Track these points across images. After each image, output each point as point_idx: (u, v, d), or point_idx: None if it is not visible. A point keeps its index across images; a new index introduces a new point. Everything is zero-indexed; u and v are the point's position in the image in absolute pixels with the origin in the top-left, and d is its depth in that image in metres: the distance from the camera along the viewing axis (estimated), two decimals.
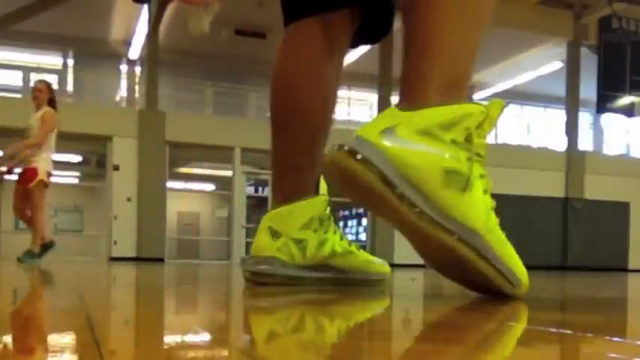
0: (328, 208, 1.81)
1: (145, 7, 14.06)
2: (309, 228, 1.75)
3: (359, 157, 1.23)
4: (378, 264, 1.92)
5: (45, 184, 6.56)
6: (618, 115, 16.88)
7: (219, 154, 15.82)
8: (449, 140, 1.26)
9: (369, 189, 1.23)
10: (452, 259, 1.32)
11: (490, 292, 1.38)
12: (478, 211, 1.29)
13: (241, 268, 1.84)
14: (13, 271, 3.39)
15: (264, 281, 1.75)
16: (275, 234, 1.76)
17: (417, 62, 1.31)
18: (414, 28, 1.34)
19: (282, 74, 1.78)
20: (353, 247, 1.85)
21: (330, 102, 1.81)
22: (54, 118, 6.58)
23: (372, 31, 1.80)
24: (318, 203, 1.77)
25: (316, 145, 1.80)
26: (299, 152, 1.79)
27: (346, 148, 1.25)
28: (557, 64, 17.28)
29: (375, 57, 14.65)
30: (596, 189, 16.90)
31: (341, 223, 21.52)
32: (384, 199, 1.23)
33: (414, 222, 1.26)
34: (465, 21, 1.34)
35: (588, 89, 16.31)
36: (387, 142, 1.23)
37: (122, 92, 17.62)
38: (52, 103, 6.69)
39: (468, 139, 1.28)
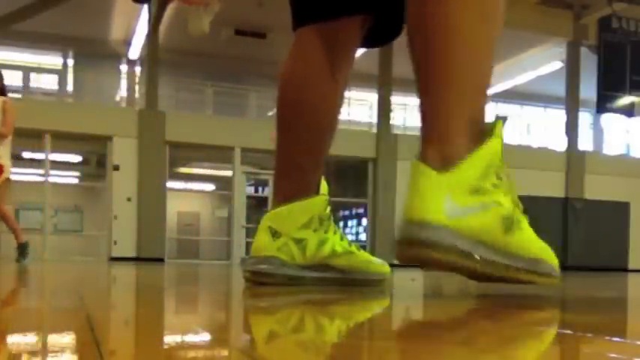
0: (328, 208, 1.80)
1: (145, 7, 14.06)
2: (309, 227, 1.74)
3: (432, 244, 1.23)
4: (378, 264, 1.91)
5: (9, 180, 6.36)
6: (618, 115, 16.88)
7: (219, 154, 15.82)
8: (491, 187, 1.31)
9: (451, 266, 1.27)
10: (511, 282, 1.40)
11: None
12: (530, 236, 1.40)
13: (241, 268, 1.83)
14: (13, 271, 3.39)
15: (264, 281, 1.73)
16: (275, 234, 1.74)
17: (438, 102, 1.31)
18: (429, 61, 1.33)
19: (291, 76, 1.76)
20: (353, 247, 1.84)
21: (337, 105, 1.80)
22: (15, 107, 6.35)
23: (382, 33, 1.78)
24: (318, 203, 1.76)
25: (321, 146, 1.79)
26: (303, 153, 1.77)
27: (415, 239, 1.23)
28: (557, 64, 17.29)
29: (375, 57, 14.64)
30: (596, 189, 16.89)
31: (341, 223, 21.53)
32: (467, 267, 1.28)
33: (489, 273, 1.32)
34: (480, 47, 1.33)
35: (588, 89, 16.31)
36: (450, 218, 1.24)
37: (122, 92, 17.62)
38: (3, 92, 6.46)
39: (499, 176, 1.33)
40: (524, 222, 1.38)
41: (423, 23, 1.33)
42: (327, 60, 1.71)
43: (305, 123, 1.75)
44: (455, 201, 1.25)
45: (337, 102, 1.79)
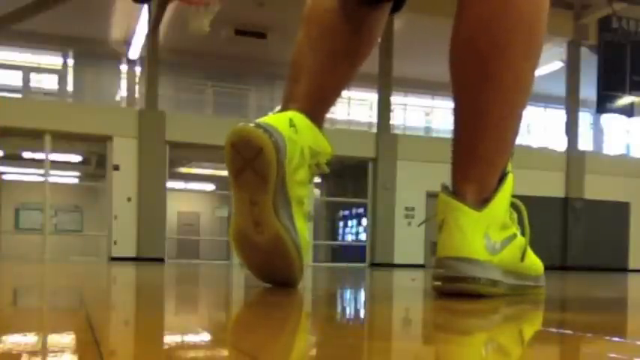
0: None
1: (145, 7, 14.06)
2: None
3: (478, 279, 1.33)
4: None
5: None
6: (618, 115, 16.88)
7: (219, 154, 15.66)
8: (510, 221, 1.46)
9: (485, 294, 1.35)
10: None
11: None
12: (533, 258, 1.57)
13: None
14: (13, 271, 3.39)
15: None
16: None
17: (486, 147, 1.41)
18: (471, 108, 1.42)
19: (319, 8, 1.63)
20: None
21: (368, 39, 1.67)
22: None
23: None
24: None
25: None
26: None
27: (462, 275, 1.32)
28: (557, 64, 17.28)
29: (375, 57, 14.65)
30: (596, 189, 16.89)
31: (341, 223, 21.53)
32: (495, 293, 1.37)
33: (507, 294, 1.42)
34: (527, 94, 1.44)
35: (588, 89, 16.31)
36: (490, 254, 1.35)
37: (122, 92, 17.62)
38: None
39: (511, 209, 1.48)
40: (527, 247, 1.52)
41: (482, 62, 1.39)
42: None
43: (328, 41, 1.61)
44: (492, 237, 1.36)
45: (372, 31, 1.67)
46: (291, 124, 1.46)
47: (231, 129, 1.43)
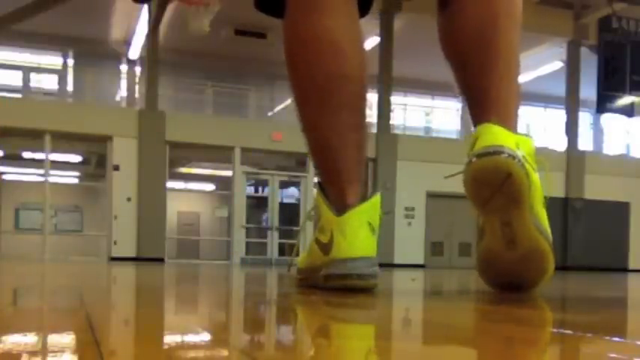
0: None
1: (145, 7, 14.05)
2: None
3: (511, 155, 1.46)
4: None
5: None
6: (618, 115, 16.88)
7: (219, 154, 15.81)
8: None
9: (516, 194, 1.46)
10: (536, 257, 1.55)
11: (533, 285, 1.60)
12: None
13: (329, 272, 1.52)
14: (13, 271, 3.39)
15: (371, 285, 1.55)
16: (374, 231, 1.60)
17: (505, 86, 1.62)
18: (503, 46, 1.65)
19: (325, 36, 1.60)
20: None
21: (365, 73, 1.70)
22: None
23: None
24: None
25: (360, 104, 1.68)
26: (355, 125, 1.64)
27: (500, 151, 1.45)
28: (557, 64, 17.29)
29: (375, 57, 14.65)
30: (596, 189, 16.89)
31: None
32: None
33: (531, 230, 1.50)
34: (516, 55, 1.70)
35: (588, 89, 16.30)
36: (527, 165, 1.47)
37: (122, 92, 17.62)
38: None
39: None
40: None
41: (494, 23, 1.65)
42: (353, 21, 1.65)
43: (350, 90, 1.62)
44: (527, 159, 1.50)
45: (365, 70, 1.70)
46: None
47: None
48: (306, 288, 1.68)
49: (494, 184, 1.46)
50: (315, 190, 1.60)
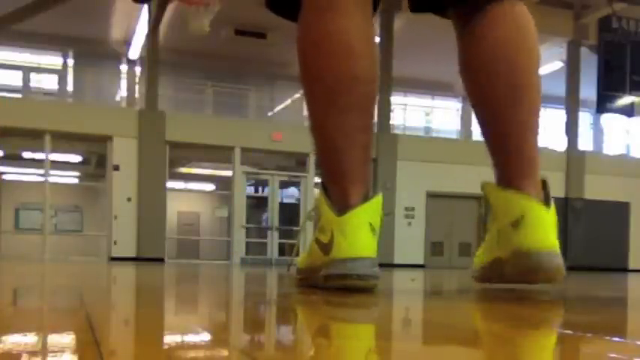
0: None
1: (145, 7, 14.06)
2: None
3: (562, 268, 1.62)
4: None
5: None
6: (618, 115, 16.87)
7: (219, 154, 15.81)
8: None
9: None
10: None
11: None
12: None
13: (330, 272, 1.51)
14: (13, 271, 3.39)
15: (372, 285, 1.57)
16: (375, 231, 1.60)
17: (530, 148, 1.64)
18: (514, 114, 1.64)
19: (339, 37, 1.58)
20: None
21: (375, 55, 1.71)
22: None
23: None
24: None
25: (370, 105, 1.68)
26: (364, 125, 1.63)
27: (555, 265, 1.60)
28: (557, 64, 17.29)
29: None
30: (596, 189, 16.89)
31: None
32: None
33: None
34: (540, 100, 1.69)
35: (588, 89, 16.30)
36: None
37: (122, 92, 17.62)
38: None
39: None
40: None
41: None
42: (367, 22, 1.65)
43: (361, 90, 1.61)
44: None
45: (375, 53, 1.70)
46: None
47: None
48: (306, 288, 1.68)
49: (537, 280, 1.60)
50: (316, 191, 1.62)
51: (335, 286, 1.50)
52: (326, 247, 1.54)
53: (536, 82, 1.66)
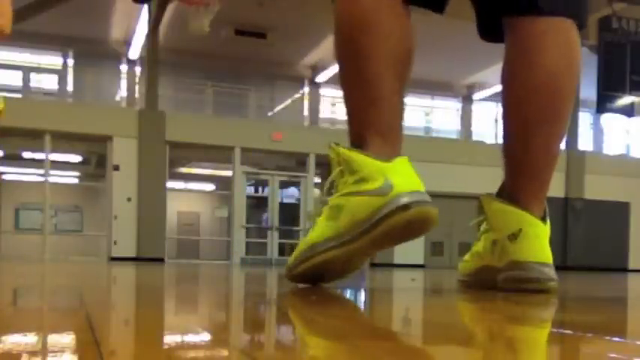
0: None
1: (145, 7, 14.06)
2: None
3: (555, 280, 1.66)
4: None
5: None
6: (618, 115, 16.87)
7: (219, 154, 15.82)
8: None
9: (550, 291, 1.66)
10: None
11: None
12: None
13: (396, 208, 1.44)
14: (13, 271, 3.39)
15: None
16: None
17: (550, 162, 1.71)
18: (543, 140, 1.69)
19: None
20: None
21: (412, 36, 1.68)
22: None
23: None
24: None
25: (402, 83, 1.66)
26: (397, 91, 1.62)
27: (552, 277, 1.65)
28: None
29: None
30: (596, 189, 16.89)
31: None
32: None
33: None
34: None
35: (588, 89, 16.28)
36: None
37: (122, 92, 17.62)
38: None
39: None
40: None
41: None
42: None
43: (387, 48, 1.59)
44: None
45: (411, 32, 1.67)
46: None
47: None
48: (306, 288, 1.68)
49: (531, 290, 1.63)
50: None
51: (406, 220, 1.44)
52: (380, 191, 1.44)
53: (571, 108, 1.71)
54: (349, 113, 1.61)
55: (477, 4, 1.72)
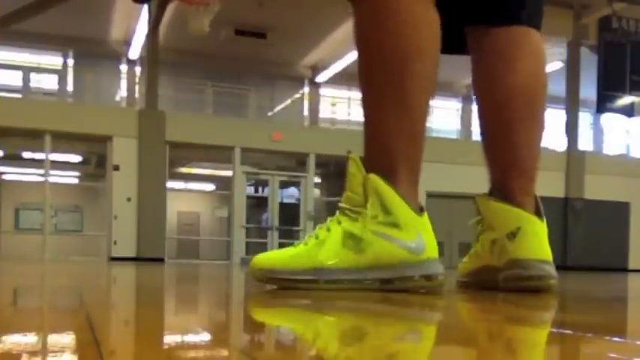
0: None
1: (145, 7, 14.05)
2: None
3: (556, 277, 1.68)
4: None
5: None
6: (618, 115, 16.87)
7: (219, 154, 15.81)
8: None
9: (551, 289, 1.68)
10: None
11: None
12: None
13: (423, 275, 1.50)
14: (13, 271, 3.39)
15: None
16: None
17: (531, 168, 1.74)
18: (527, 136, 1.75)
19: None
20: None
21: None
22: None
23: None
24: None
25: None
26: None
27: (552, 275, 1.66)
28: (557, 64, 17.29)
29: None
30: (596, 189, 16.89)
31: None
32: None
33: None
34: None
35: (588, 89, 16.29)
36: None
37: (122, 92, 17.62)
38: None
39: None
40: None
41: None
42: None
43: (433, 70, 1.57)
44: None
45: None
46: None
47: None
48: (306, 288, 1.67)
49: (532, 288, 1.65)
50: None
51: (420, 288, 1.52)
52: (414, 249, 1.48)
53: (545, 107, 1.79)
54: (376, 136, 1.52)
55: (447, 15, 1.58)
